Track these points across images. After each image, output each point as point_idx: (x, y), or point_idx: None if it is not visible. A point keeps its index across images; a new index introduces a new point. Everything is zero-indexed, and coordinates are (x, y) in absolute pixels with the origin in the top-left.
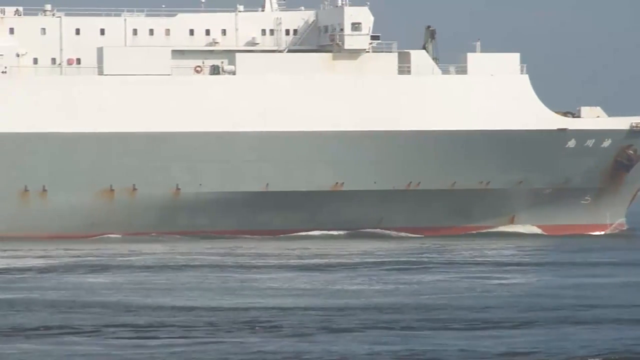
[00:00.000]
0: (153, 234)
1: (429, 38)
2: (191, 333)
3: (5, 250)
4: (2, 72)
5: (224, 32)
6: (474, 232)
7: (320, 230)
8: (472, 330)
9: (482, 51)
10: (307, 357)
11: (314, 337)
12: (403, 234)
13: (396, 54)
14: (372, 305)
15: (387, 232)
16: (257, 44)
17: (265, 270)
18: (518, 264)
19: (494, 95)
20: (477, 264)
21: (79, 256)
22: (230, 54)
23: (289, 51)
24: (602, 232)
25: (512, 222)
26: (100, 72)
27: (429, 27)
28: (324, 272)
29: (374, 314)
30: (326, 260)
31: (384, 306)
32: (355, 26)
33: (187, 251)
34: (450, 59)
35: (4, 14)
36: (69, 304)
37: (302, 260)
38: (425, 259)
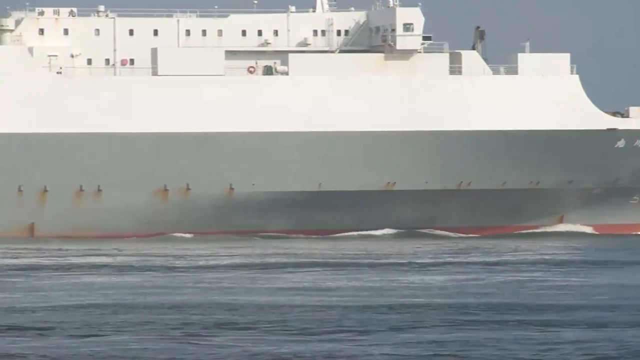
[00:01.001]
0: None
1: (478, 38)
2: None
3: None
4: (57, 73)
5: (275, 32)
6: (524, 231)
7: (372, 230)
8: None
9: (530, 51)
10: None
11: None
12: (453, 234)
13: (447, 54)
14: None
15: (438, 232)
16: (309, 44)
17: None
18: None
19: (544, 95)
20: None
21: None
22: (282, 55)
23: (340, 52)
24: None
25: (560, 221)
26: (155, 73)
27: (478, 27)
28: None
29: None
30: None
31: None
32: (407, 27)
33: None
34: (499, 60)
35: (58, 15)
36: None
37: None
38: (514, 259)
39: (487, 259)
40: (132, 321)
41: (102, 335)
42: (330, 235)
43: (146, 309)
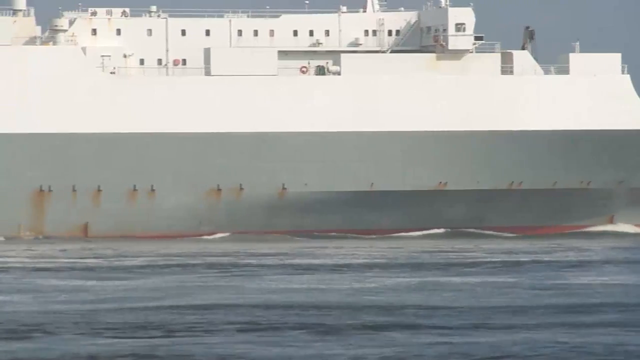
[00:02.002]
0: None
1: (528, 38)
2: None
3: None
4: (111, 73)
5: (327, 32)
6: (575, 231)
7: (423, 230)
8: None
9: (580, 51)
10: None
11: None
12: (506, 233)
13: (499, 54)
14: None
15: (488, 232)
16: (360, 44)
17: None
18: None
19: (596, 95)
20: None
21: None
22: (334, 55)
23: (391, 52)
24: None
25: (610, 221)
26: (208, 73)
27: (527, 27)
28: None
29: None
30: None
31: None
32: (459, 27)
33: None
34: (549, 59)
35: (111, 15)
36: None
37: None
38: (590, 258)
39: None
40: None
41: None
42: (392, 235)
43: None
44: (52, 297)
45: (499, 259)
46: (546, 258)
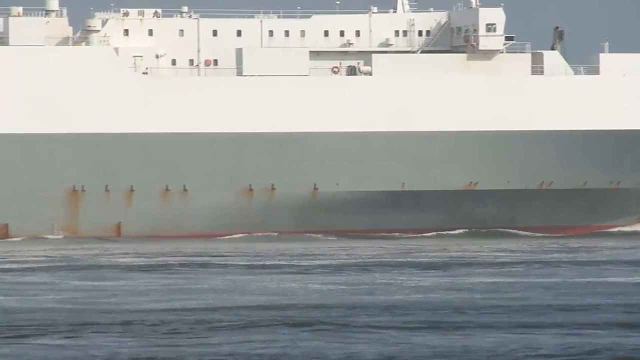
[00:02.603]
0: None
1: (557, 39)
2: None
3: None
4: (143, 73)
5: (357, 33)
6: (604, 230)
7: (454, 229)
8: None
9: (609, 51)
10: None
11: None
12: (538, 233)
13: (529, 54)
14: None
15: (519, 231)
16: (391, 44)
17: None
18: None
19: (626, 95)
20: None
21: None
22: (365, 55)
23: (422, 52)
24: None
25: (639, 221)
26: (240, 73)
27: (557, 27)
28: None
29: None
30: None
31: None
32: (490, 27)
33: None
34: (579, 60)
35: (143, 16)
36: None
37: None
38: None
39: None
40: None
41: None
42: (424, 235)
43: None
44: None
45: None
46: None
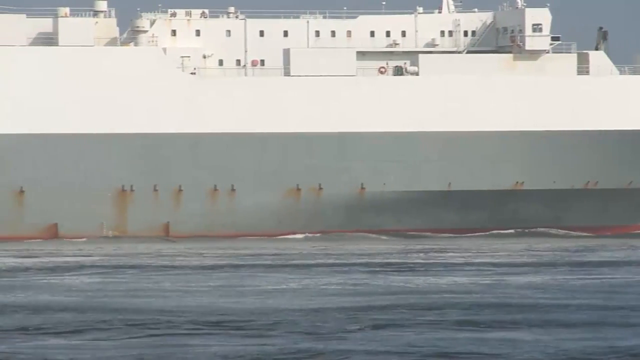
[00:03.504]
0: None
1: (602, 39)
2: None
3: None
4: (191, 74)
5: (403, 33)
6: None
7: (499, 229)
8: None
9: None
10: None
11: None
12: (583, 233)
13: (575, 54)
14: None
15: (564, 231)
16: (437, 45)
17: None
18: None
19: None
20: None
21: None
22: (411, 55)
23: (467, 52)
24: None
25: None
26: (287, 74)
27: (601, 28)
28: None
29: None
30: None
31: None
32: (536, 27)
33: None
34: (622, 60)
35: (190, 17)
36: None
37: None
38: None
39: None
40: None
41: None
42: (467, 235)
43: None
44: None
45: None
46: None
